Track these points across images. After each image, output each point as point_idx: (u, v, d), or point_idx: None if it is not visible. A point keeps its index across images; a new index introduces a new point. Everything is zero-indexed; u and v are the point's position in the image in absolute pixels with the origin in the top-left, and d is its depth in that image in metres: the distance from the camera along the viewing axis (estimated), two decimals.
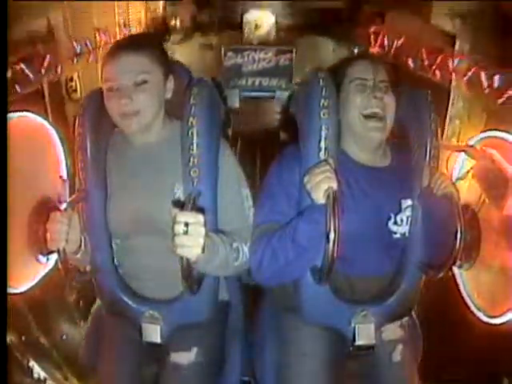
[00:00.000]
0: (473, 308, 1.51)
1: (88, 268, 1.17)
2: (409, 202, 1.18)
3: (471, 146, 1.52)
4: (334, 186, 0.99)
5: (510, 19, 1.38)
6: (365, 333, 1.17)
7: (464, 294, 1.56)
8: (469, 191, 1.49)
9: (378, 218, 1.16)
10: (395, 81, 1.18)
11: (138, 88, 1.09)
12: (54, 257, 1.43)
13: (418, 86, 1.29)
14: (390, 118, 1.16)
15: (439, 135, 1.23)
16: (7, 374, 0.98)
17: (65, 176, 1.52)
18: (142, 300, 1.19)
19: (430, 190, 1.16)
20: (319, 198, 1.00)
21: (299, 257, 1.05)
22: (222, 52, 2.26)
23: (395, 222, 1.17)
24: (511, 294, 1.34)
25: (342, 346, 1.18)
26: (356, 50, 2.75)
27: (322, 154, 1.07)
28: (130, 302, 1.18)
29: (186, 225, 0.89)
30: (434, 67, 1.81)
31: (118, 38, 2.27)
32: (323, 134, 1.07)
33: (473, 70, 1.56)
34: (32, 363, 1.46)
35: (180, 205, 0.94)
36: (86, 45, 1.95)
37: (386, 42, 2.21)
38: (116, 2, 2.42)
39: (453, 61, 1.68)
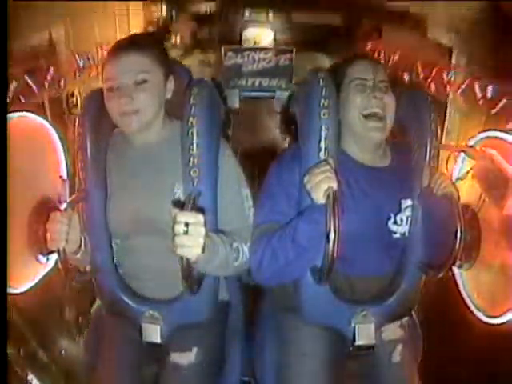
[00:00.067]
0: (473, 308, 1.51)
1: (88, 268, 1.18)
2: (409, 201, 1.18)
3: (471, 146, 1.52)
4: (334, 186, 0.99)
5: (506, 31, 1.39)
6: (365, 333, 1.17)
7: (464, 294, 1.56)
8: (469, 191, 1.49)
9: (378, 218, 1.16)
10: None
11: (138, 87, 1.09)
12: (54, 257, 1.43)
13: None
14: (390, 118, 1.16)
15: (439, 135, 1.23)
16: None
17: (65, 176, 1.52)
18: (142, 300, 1.19)
19: (430, 190, 1.16)
20: (319, 197, 1.00)
21: (299, 257, 1.05)
22: (222, 52, 2.27)
23: (395, 222, 1.17)
24: (511, 294, 1.34)
25: (342, 346, 1.18)
26: None
27: (321, 154, 1.07)
28: (130, 302, 1.18)
29: (186, 225, 0.89)
30: (429, 80, 1.82)
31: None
32: (323, 134, 1.07)
33: (467, 81, 1.57)
34: (31, 377, 1.46)
35: (180, 205, 0.94)
36: (88, 59, 1.95)
37: (382, 57, 2.22)
38: (117, 17, 2.42)
39: (447, 73, 1.69)
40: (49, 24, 1.56)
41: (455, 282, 1.58)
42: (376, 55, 2.26)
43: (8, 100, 1.38)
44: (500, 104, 1.51)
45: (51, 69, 1.55)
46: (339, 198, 0.97)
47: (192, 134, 1.09)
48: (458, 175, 1.54)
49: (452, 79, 1.64)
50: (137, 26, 2.73)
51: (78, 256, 1.13)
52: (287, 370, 1.18)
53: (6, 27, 1.05)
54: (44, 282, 1.48)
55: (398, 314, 1.23)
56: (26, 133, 1.41)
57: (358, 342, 1.16)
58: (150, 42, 1.16)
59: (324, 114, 1.07)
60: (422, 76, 1.88)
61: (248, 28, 2.82)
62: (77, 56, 1.81)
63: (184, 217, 0.90)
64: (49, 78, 1.53)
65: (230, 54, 2.33)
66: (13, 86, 1.40)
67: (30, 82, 1.50)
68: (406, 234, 1.19)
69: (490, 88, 1.50)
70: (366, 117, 1.14)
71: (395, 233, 1.18)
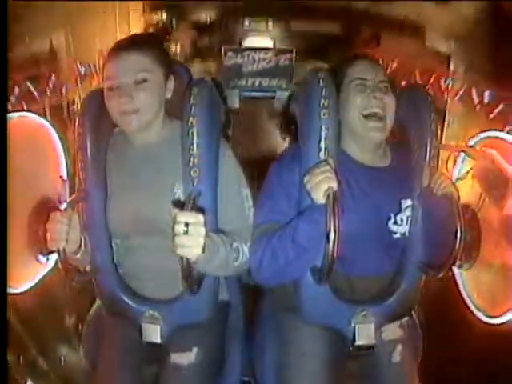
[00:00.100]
0: (473, 308, 1.51)
1: (88, 268, 1.18)
2: (409, 201, 1.18)
3: (471, 146, 1.52)
4: (334, 186, 0.99)
5: (505, 32, 1.39)
6: (365, 333, 1.17)
7: (464, 294, 1.56)
8: (469, 191, 1.49)
9: (378, 218, 1.16)
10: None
11: (139, 86, 1.09)
12: (54, 257, 1.43)
13: None
14: (390, 118, 1.16)
15: (439, 135, 1.23)
16: None
17: (65, 176, 1.52)
18: (142, 300, 1.19)
19: (430, 190, 1.15)
20: (319, 198, 1.00)
21: (299, 257, 1.05)
22: (222, 52, 2.27)
23: (395, 222, 1.17)
24: (511, 294, 1.34)
25: (342, 346, 1.18)
26: None
27: (322, 154, 1.07)
28: (130, 302, 1.18)
29: (186, 225, 0.89)
30: (427, 87, 1.83)
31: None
32: (323, 133, 1.07)
33: (464, 87, 1.58)
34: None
35: (180, 205, 0.94)
36: (90, 67, 1.94)
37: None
38: (117, 25, 2.42)
39: (445, 80, 1.69)
40: (49, 31, 1.56)
41: (455, 281, 1.58)
42: None
43: (10, 106, 1.38)
44: (497, 109, 1.52)
45: (53, 76, 1.55)
46: (339, 198, 0.97)
47: (192, 133, 1.09)
48: (458, 175, 1.54)
49: (450, 86, 1.65)
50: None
51: (78, 256, 1.13)
52: (287, 369, 1.18)
53: (6, 26, 1.05)
54: (44, 287, 1.48)
55: (398, 314, 1.23)
56: (26, 133, 1.41)
57: (358, 342, 1.16)
58: (151, 42, 1.17)
59: (324, 114, 1.07)
60: (420, 83, 1.88)
61: (248, 37, 2.84)
62: (78, 64, 1.81)
63: (184, 217, 0.90)
64: (50, 85, 1.53)
65: (230, 54, 2.34)
66: (15, 91, 1.40)
67: (31, 88, 1.50)
68: (406, 234, 1.19)
69: (486, 93, 1.50)
70: (366, 117, 1.14)
71: (395, 233, 1.18)
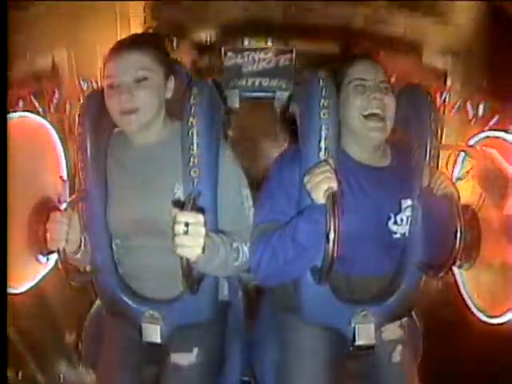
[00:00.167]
0: (473, 308, 1.51)
1: (88, 268, 1.18)
2: (409, 201, 1.18)
3: (471, 146, 1.52)
4: (334, 186, 0.99)
5: (506, 33, 1.40)
6: (365, 333, 1.16)
7: (464, 294, 1.56)
8: (469, 191, 1.49)
9: (378, 218, 1.16)
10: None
11: (139, 84, 1.09)
12: (54, 257, 1.43)
13: None
14: (390, 119, 1.16)
15: (439, 135, 1.23)
16: None
17: (65, 176, 1.52)
18: (142, 300, 1.19)
19: (430, 190, 1.15)
20: (319, 198, 1.00)
21: (299, 256, 1.05)
22: (222, 52, 2.26)
23: (395, 222, 1.17)
24: (511, 294, 1.34)
25: (342, 346, 1.18)
26: None
27: (322, 154, 1.07)
28: (130, 302, 1.18)
29: (186, 225, 0.89)
30: None
31: None
32: (323, 133, 1.07)
33: (459, 101, 1.60)
34: None
35: (180, 205, 0.94)
36: (92, 83, 1.94)
37: None
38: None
39: (441, 94, 1.70)
40: (51, 48, 1.56)
41: (455, 281, 1.58)
42: None
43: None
44: (492, 122, 1.53)
45: (56, 92, 1.56)
46: (339, 198, 0.97)
47: (192, 133, 1.09)
48: (458, 175, 1.54)
49: (447, 101, 1.67)
50: None
51: (78, 256, 1.13)
52: (287, 369, 1.18)
53: (6, 26, 1.05)
54: (42, 292, 1.47)
55: (398, 314, 1.23)
56: (26, 133, 1.41)
57: (358, 342, 1.16)
58: (151, 42, 1.17)
59: (324, 114, 1.07)
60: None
61: None
62: (81, 81, 1.81)
63: (184, 217, 0.90)
64: (54, 101, 1.54)
65: (229, 54, 2.33)
66: (20, 105, 1.41)
67: (36, 104, 1.51)
68: (406, 234, 1.19)
69: (481, 106, 1.52)
70: (366, 117, 1.14)
71: (395, 233, 1.18)
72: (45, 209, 1.40)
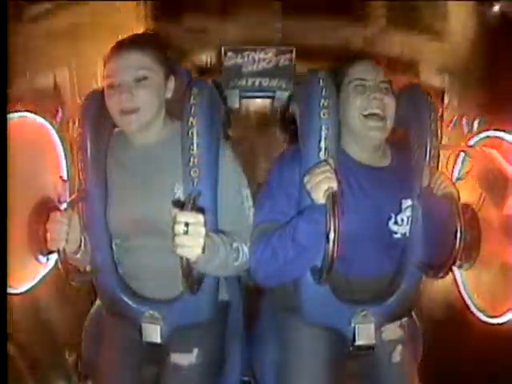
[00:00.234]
0: (473, 308, 1.51)
1: (88, 268, 1.18)
2: (409, 201, 1.18)
3: (471, 146, 1.52)
4: (334, 186, 0.99)
5: (497, 71, 1.41)
6: (365, 333, 1.17)
7: (464, 294, 1.56)
8: (469, 191, 1.49)
9: (379, 218, 1.16)
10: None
11: (139, 84, 1.09)
12: (54, 257, 1.43)
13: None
14: (391, 119, 1.16)
15: (439, 135, 1.23)
16: None
17: (65, 176, 1.52)
18: (142, 300, 1.19)
19: (430, 190, 1.15)
20: (319, 198, 1.00)
21: (299, 256, 1.05)
22: (222, 52, 2.26)
23: (395, 222, 1.17)
24: (511, 294, 1.34)
25: (342, 346, 1.18)
26: None
27: (322, 154, 1.07)
28: (130, 302, 1.18)
29: (186, 225, 0.89)
30: None
31: None
32: (323, 134, 1.07)
33: (456, 117, 1.61)
34: None
35: (180, 205, 0.94)
36: None
37: None
38: None
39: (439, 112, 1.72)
40: (53, 67, 1.56)
41: (455, 281, 1.58)
42: None
43: None
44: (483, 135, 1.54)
45: (60, 111, 1.56)
46: (339, 198, 0.97)
47: (192, 134, 1.09)
48: (458, 175, 1.54)
49: (444, 118, 1.68)
50: None
51: (78, 256, 1.13)
52: (287, 369, 1.18)
53: (6, 24, 1.05)
54: (44, 321, 1.47)
55: (398, 314, 1.23)
56: (26, 133, 1.41)
57: (358, 342, 1.16)
58: (151, 42, 1.17)
59: (324, 114, 1.07)
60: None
61: None
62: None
63: (184, 217, 0.90)
64: (58, 119, 1.54)
65: (229, 54, 2.33)
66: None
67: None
68: (407, 234, 1.19)
69: (476, 122, 1.53)
70: (366, 116, 1.14)
71: (396, 233, 1.18)
72: (45, 209, 1.40)
